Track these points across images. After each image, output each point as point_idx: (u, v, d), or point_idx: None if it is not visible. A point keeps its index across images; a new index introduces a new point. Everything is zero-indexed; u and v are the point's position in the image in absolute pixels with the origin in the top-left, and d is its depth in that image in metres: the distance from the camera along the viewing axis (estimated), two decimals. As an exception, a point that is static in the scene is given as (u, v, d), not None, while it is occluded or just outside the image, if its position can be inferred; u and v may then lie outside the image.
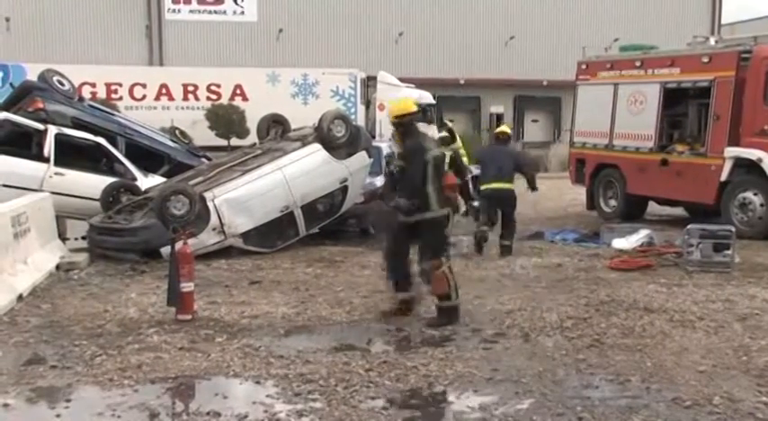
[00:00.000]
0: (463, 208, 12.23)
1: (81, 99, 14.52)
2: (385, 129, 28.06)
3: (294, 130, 12.74)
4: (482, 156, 11.54)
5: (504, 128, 11.79)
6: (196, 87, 29.12)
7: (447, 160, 11.61)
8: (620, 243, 11.04)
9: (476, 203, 11.35)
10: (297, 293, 8.29)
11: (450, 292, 7.06)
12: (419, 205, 6.93)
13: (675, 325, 6.96)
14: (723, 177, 12.26)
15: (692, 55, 13.27)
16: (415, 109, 7.26)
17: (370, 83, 30.65)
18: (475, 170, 11.48)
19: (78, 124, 12.81)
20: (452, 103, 35.79)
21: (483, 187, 10.89)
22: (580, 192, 15.82)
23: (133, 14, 34.33)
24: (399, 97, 7.63)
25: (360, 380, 5.44)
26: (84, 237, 11.30)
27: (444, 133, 16.53)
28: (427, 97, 30.65)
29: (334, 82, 29.85)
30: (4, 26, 32.82)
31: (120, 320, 7.16)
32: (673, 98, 13.56)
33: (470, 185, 12.29)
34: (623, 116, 14.23)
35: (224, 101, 28.48)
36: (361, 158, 11.73)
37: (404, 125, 7.22)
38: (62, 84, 13.48)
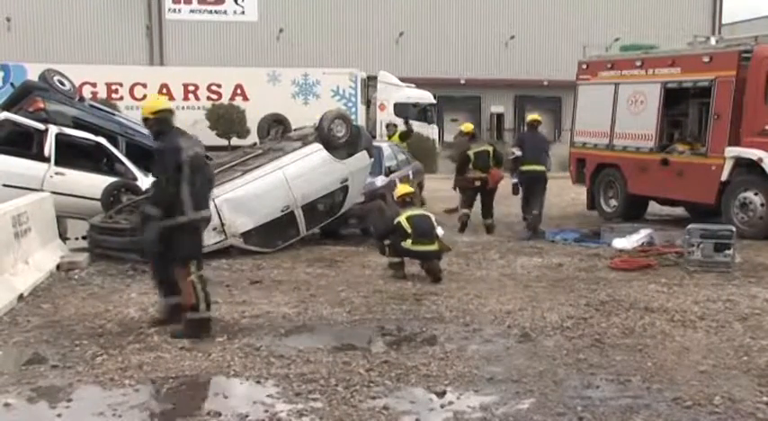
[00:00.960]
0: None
1: (81, 99, 14.53)
2: (386, 129, 28.19)
3: (295, 130, 12.75)
4: (522, 141, 12.90)
5: (536, 115, 13.40)
6: (196, 87, 29.14)
7: (491, 154, 12.60)
8: (620, 243, 11.04)
9: (515, 180, 12.73)
10: (297, 293, 8.30)
11: (198, 303, 6.61)
12: (172, 209, 6.51)
13: (676, 325, 6.97)
14: (724, 177, 12.25)
15: (693, 55, 13.26)
16: (163, 107, 6.72)
17: (370, 83, 30.69)
18: (517, 152, 12.54)
19: (79, 124, 12.81)
20: (453, 103, 35.86)
21: (524, 169, 12.43)
22: (580, 192, 15.83)
23: (133, 14, 34.37)
24: (152, 96, 7.28)
25: (360, 380, 5.44)
26: (84, 237, 11.31)
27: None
28: (427, 97, 30.76)
29: (335, 82, 29.85)
30: (4, 26, 32.88)
31: (121, 320, 7.16)
32: (673, 98, 13.55)
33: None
34: (624, 116, 14.22)
35: (224, 101, 28.49)
36: (361, 158, 11.72)
37: (154, 124, 6.72)
38: (63, 84, 13.49)
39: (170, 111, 6.79)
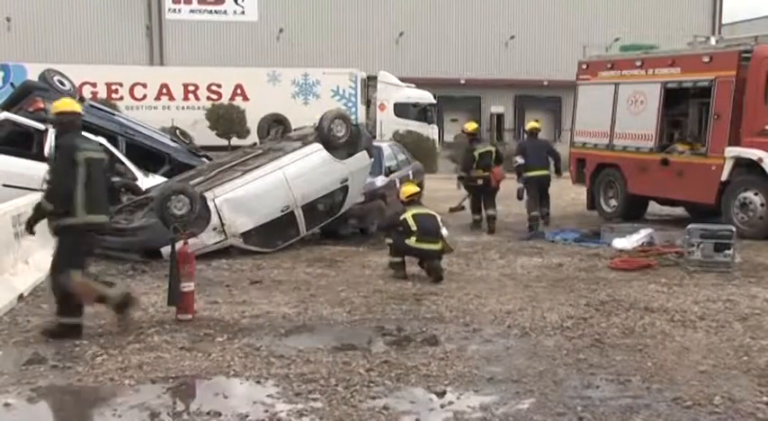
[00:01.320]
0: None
1: (82, 99, 14.52)
2: (385, 129, 28.24)
3: (295, 130, 12.74)
4: (524, 149, 13.35)
5: (535, 123, 14.00)
6: (196, 87, 29.15)
7: (493, 155, 13.10)
8: (620, 243, 11.03)
9: (520, 185, 13.17)
10: (297, 293, 8.30)
11: (102, 291, 6.59)
12: (64, 209, 6.38)
13: (676, 325, 6.97)
14: (724, 177, 12.24)
15: (693, 55, 13.25)
16: (65, 110, 6.68)
17: (370, 83, 30.73)
18: (519, 160, 13.03)
19: (79, 124, 12.79)
20: (453, 103, 35.90)
21: (529, 174, 12.90)
22: (580, 192, 15.82)
23: (133, 14, 34.41)
24: (64, 100, 7.38)
25: (360, 380, 5.44)
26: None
27: None
28: (427, 97, 30.77)
29: (335, 82, 29.87)
30: (4, 26, 32.92)
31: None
32: (673, 98, 13.54)
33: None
34: (624, 116, 14.21)
35: (224, 101, 28.50)
36: (361, 158, 11.71)
37: (58, 124, 6.79)
38: (63, 84, 13.49)
39: (74, 114, 6.78)
